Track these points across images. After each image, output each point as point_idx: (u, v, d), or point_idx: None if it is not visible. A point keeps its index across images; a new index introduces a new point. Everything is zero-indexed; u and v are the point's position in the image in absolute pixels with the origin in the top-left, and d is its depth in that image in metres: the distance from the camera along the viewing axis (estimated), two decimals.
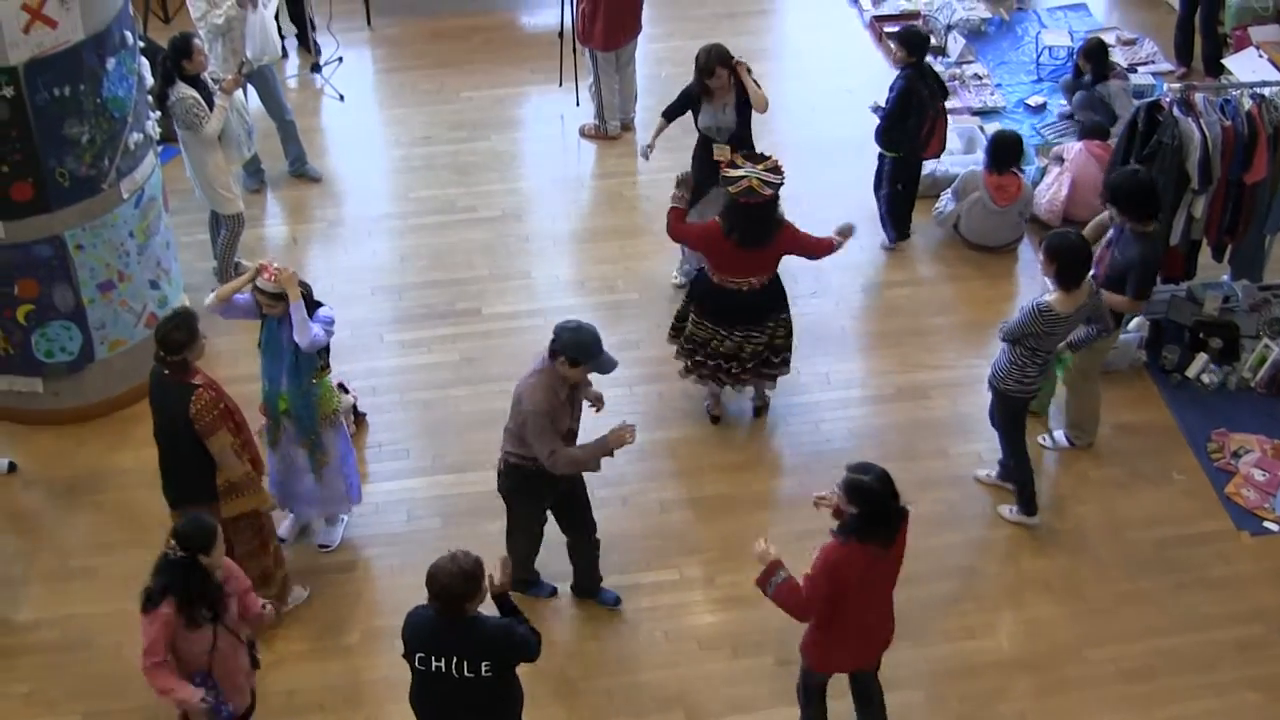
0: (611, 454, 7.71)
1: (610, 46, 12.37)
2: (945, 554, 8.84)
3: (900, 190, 11.34)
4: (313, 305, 8.15)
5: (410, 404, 9.96)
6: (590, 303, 10.82)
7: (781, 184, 8.84)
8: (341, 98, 13.36)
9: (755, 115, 10.25)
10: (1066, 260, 8.18)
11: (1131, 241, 8.93)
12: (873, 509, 6.64)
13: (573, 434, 7.80)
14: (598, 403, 8.18)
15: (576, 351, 7.46)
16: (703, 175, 10.00)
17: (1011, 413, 8.73)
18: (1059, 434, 9.57)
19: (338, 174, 12.33)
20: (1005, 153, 11.15)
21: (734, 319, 9.23)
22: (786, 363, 9.53)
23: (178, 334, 7.51)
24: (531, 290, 10.97)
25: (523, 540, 8.23)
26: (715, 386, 9.63)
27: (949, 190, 11.48)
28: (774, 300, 9.31)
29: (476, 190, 12.07)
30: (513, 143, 12.80)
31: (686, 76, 10.30)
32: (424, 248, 11.41)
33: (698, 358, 9.41)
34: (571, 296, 10.90)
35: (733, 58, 10.03)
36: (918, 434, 9.72)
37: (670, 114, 10.44)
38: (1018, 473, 8.95)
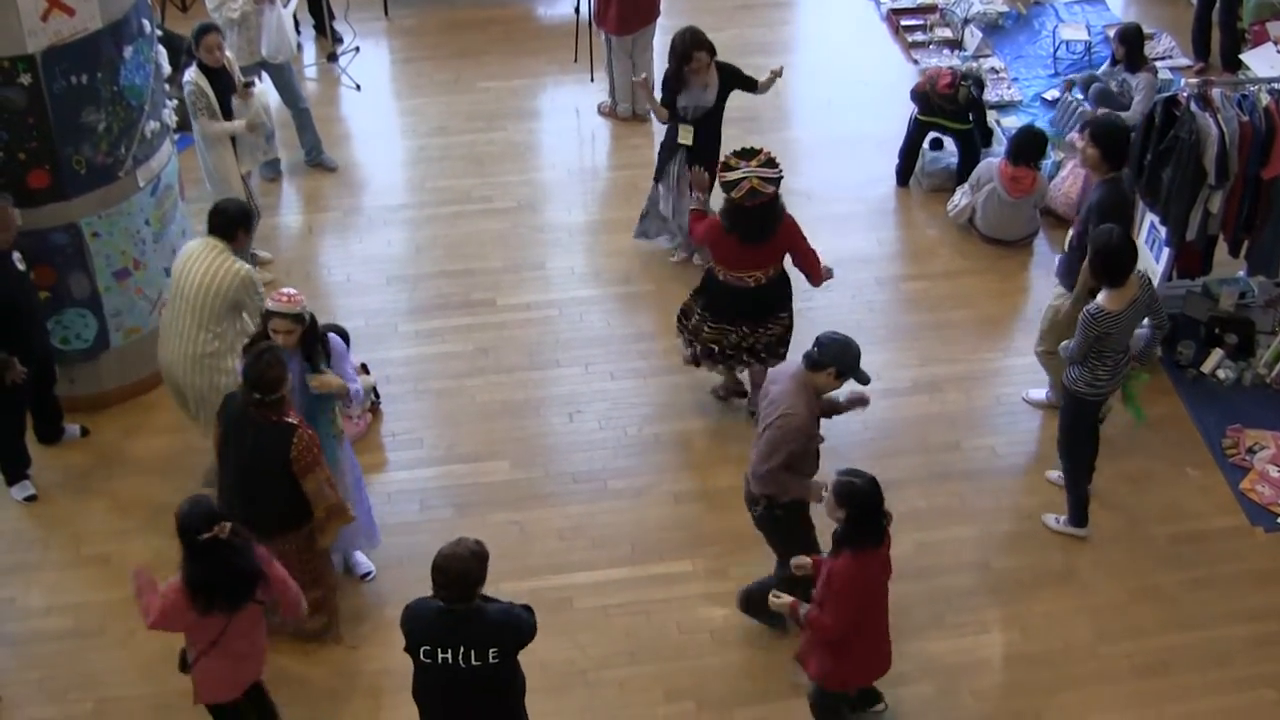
0: (808, 501, 7.57)
1: (624, 31, 12.36)
2: (958, 548, 8.83)
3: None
4: (319, 340, 7.88)
5: (424, 394, 9.96)
6: (605, 294, 10.82)
7: (781, 177, 8.81)
8: (358, 87, 13.37)
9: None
10: (1105, 259, 8.08)
11: (1098, 187, 9.00)
12: (861, 512, 6.66)
13: (818, 453, 7.70)
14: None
15: (844, 365, 7.36)
16: (668, 155, 10.51)
17: (1077, 415, 8.52)
18: (1044, 392, 9.35)
19: (353, 164, 12.34)
20: (1027, 146, 11.11)
21: (743, 314, 9.20)
22: (784, 355, 9.49)
23: (274, 371, 7.15)
24: (546, 281, 10.97)
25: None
26: (724, 371, 9.66)
27: (965, 184, 11.45)
28: (782, 294, 9.29)
29: (492, 181, 12.07)
30: (529, 134, 12.79)
31: None
32: (439, 238, 11.41)
33: (708, 352, 9.40)
34: (586, 288, 10.90)
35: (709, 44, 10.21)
36: (931, 427, 9.70)
37: (667, 104, 10.48)
38: (1073, 484, 8.79)
